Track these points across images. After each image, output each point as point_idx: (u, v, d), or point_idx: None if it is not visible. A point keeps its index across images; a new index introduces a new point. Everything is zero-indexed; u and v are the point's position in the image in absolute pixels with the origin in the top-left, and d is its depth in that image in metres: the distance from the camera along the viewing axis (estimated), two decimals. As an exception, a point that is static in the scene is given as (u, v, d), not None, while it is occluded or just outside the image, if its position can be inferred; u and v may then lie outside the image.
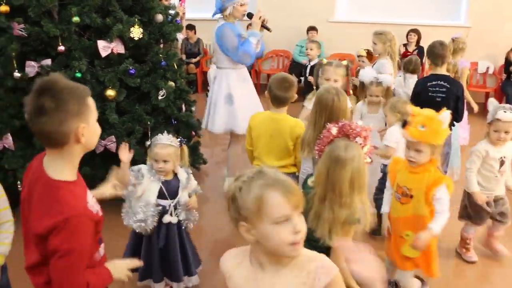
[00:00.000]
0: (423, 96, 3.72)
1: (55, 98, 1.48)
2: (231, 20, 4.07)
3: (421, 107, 2.58)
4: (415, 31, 7.32)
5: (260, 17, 4.04)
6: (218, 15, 4.14)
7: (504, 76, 7.03)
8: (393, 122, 3.31)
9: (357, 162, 2.00)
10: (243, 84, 4.21)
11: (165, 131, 2.75)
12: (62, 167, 1.58)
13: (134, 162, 3.84)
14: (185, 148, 2.76)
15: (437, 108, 2.54)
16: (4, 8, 3.38)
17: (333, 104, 2.67)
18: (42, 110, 1.47)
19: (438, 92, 3.72)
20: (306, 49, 6.03)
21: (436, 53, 3.75)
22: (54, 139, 1.53)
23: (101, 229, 1.70)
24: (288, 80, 3.06)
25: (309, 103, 3.41)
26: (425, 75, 3.78)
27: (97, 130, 1.66)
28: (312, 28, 7.65)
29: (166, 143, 2.63)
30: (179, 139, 2.72)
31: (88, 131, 1.57)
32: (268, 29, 4.10)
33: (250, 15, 4.09)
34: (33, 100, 1.49)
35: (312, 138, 2.65)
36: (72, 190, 1.57)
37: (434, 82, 3.76)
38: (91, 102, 1.61)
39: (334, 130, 2.08)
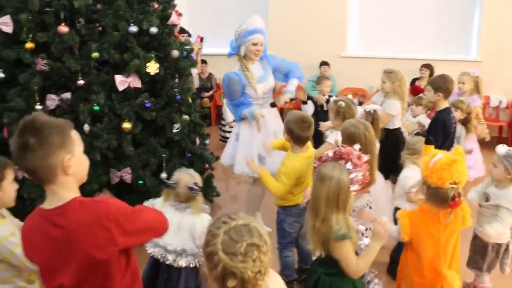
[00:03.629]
0: (451, 130, 3.77)
1: (37, 134, 1.52)
2: (244, 62, 3.93)
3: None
4: (427, 66, 7.38)
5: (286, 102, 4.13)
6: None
7: (516, 110, 7.05)
8: (407, 162, 3.33)
9: (336, 182, 2.12)
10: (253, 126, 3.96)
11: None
12: (66, 192, 1.61)
13: (148, 193, 3.93)
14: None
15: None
16: (30, 45, 3.54)
17: (366, 139, 2.79)
18: (25, 147, 1.51)
19: (454, 123, 3.82)
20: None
21: (449, 87, 3.80)
22: (42, 174, 1.56)
23: None
24: (307, 120, 3.09)
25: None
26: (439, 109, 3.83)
27: (85, 161, 1.70)
28: (324, 63, 7.77)
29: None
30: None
31: (75, 161, 1.60)
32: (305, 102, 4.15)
33: (273, 105, 4.08)
34: (17, 139, 1.53)
35: None
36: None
37: (452, 114, 3.84)
38: (74, 134, 1.64)
39: (330, 153, 2.25)
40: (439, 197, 2.38)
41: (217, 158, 4.87)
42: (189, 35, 6.16)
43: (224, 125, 6.98)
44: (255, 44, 3.85)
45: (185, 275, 2.65)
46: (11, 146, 1.55)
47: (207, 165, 4.63)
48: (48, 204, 1.62)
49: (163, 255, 2.62)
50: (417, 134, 3.79)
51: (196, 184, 2.63)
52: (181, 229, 2.62)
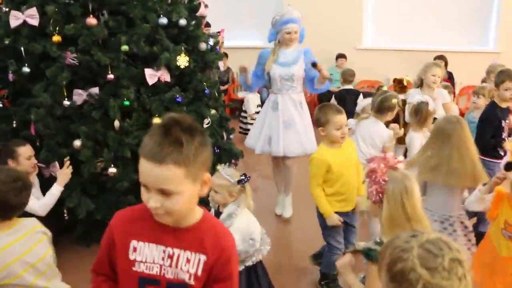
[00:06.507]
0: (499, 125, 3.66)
1: (188, 132, 1.32)
2: (277, 46, 4.24)
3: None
4: (441, 57, 7.27)
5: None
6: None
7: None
8: None
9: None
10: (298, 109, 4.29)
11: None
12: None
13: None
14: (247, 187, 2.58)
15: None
16: (57, 38, 3.40)
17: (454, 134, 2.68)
18: (180, 141, 1.28)
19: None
20: None
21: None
22: (192, 171, 1.33)
23: None
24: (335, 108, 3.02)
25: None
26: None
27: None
28: (341, 56, 7.66)
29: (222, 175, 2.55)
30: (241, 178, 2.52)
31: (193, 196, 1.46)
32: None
33: (314, 65, 4.13)
34: (164, 135, 1.28)
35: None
36: None
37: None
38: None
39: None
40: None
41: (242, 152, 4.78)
42: (209, 25, 6.05)
43: (245, 117, 6.88)
44: (288, 33, 4.14)
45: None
46: (150, 143, 1.28)
47: (233, 160, 4.52)
48: None
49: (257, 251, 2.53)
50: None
51: (243, 174, 2.53)
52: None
